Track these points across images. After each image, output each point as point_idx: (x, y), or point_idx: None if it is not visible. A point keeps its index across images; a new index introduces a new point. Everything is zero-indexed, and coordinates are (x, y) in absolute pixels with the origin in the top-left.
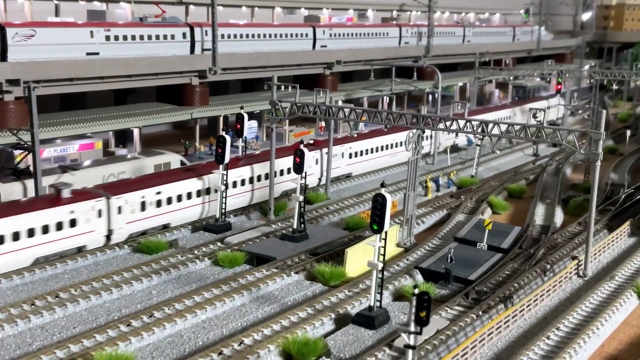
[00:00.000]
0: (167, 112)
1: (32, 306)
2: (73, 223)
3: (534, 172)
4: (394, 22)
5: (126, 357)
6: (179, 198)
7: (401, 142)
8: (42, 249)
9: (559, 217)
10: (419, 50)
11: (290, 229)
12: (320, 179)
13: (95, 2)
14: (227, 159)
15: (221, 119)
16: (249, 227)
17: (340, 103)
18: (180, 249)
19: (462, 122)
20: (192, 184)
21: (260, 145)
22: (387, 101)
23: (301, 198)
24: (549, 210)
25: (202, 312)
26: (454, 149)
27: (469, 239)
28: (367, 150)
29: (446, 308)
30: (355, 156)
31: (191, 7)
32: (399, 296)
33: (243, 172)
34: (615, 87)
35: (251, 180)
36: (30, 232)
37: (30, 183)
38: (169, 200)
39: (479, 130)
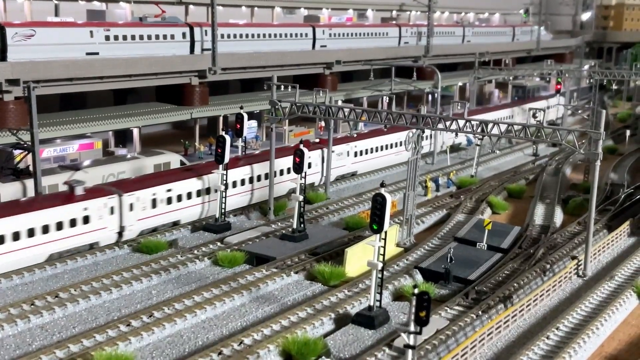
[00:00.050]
0: (166, 112)
1: (32, 306)
2: (86, 220)
3: (534, 172)
4: (394, 22)
5: (126, 357)
6: (189, 195)
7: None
8: (56, 245)
9: (558, 217)
10: (418, 50)
11: (290, 229)
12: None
13: (95, 2)
14: (226, 159)
15: (221, 118)
16: (249, 227)
17: (340, 103)
18: (180, 249)
19: (461, 122)
20: (202, 182)
21: (259, 145)
22: (387, 101)
23: (301, 198)
24: (549, 210)
25: (201, 312)
26: (454, 148)
27: (469, 238)
28: (372, 149)
29: (446, 308)
30: (361, 155)
31: (191, 7)
32: (398, 296)
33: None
34: (614, 87)
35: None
36: (45, 229)
37: (30, 183)
38: (179, 198)
39: (479, 130)
